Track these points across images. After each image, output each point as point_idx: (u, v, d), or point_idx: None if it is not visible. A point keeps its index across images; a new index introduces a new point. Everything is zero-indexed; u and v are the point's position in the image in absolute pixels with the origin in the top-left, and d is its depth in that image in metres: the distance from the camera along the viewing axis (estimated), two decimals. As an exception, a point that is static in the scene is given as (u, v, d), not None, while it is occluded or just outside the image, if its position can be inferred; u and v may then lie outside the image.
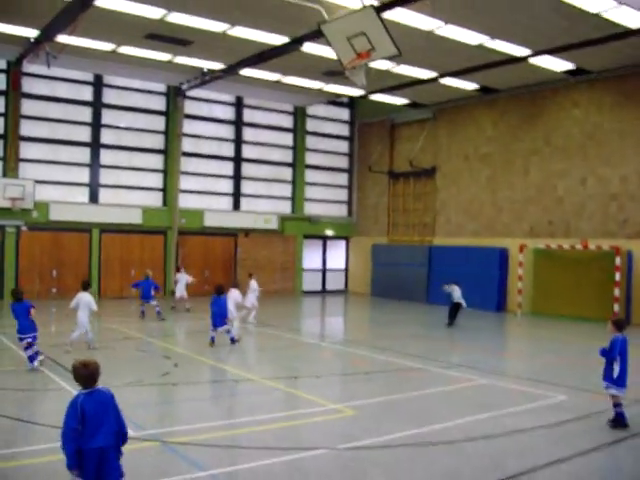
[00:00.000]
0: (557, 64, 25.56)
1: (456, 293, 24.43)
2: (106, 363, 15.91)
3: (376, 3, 17.84)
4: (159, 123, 32.56)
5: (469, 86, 29.37)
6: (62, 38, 23.11)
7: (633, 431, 10.85)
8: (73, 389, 12.55)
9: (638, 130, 25.95)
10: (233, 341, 18.28)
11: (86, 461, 6.49)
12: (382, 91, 30.96)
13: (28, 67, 28.45)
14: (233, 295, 20.70)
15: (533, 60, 24.78)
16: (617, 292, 25.21)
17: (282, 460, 9.05)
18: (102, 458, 6.56)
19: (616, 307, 25.14)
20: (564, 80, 27.68)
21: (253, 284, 24.33)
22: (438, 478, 8.57)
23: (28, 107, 29.18)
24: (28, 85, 29.14)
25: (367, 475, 8.78)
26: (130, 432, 9.85)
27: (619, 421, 10.96)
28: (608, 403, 11.40)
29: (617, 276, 25.25)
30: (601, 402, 12.71)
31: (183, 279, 26.71)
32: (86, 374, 6.82)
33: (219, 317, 18.09)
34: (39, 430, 10.11)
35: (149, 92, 32.17)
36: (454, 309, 24.35)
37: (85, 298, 16.71)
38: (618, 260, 25.27)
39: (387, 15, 18.95)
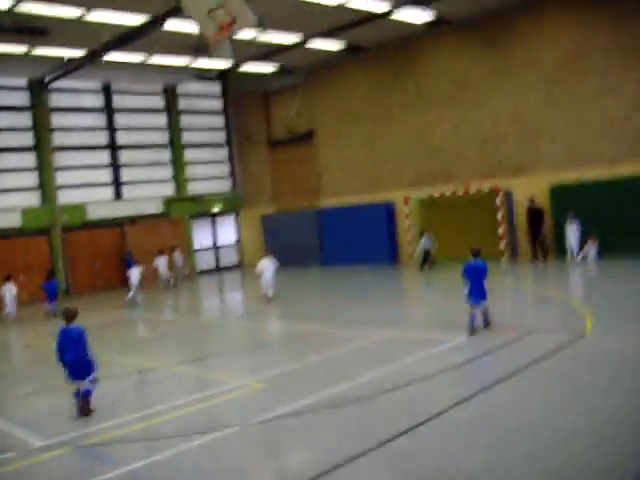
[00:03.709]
0: (418, 16, 26.03)
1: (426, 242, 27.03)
2: (6, 374, 15.48)
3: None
4: (26, 119, 31.19)
5: (336, 46, 29.55)
6: None
7: (532, 358, 11.39)
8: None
9: (501, 73, 26.84)
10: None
11: (66, 365, 10.89)
12: (251, 60, 30.74)
13: None
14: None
15: (394, 15, 25.13)
16: (501, 230, 26.19)
17: (197, 444, 9.05)
18: (71, 365, 10.82)
19: (502, 244, 26.15)
20: (428, 32, 28.22)
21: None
22: (351, 435, 8.77)
23: None
24: None
25: (283, 445, 8.91)
26: (39, 442, 9.74)
27: (471, 326, 13.94)
28: (505, 337, 11.89)
29: (499, 215, 26.22)
30: (498, 337, 13.29)
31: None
32: (65, 315, 10.98)
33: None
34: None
35: (10, 88, 30.72)
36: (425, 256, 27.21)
37: None
38: (498, 200, 26.24)
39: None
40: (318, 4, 22.96)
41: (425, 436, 8.50)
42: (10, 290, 24.65)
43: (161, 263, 30.16)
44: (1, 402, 12.44)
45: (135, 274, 26.09)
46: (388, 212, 30.68)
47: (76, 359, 10.84)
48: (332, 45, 29.32)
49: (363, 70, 31.65)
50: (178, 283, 31.19)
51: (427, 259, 27.20)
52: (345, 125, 32.74)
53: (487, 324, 14.27)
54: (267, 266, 22.50)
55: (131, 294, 25.77)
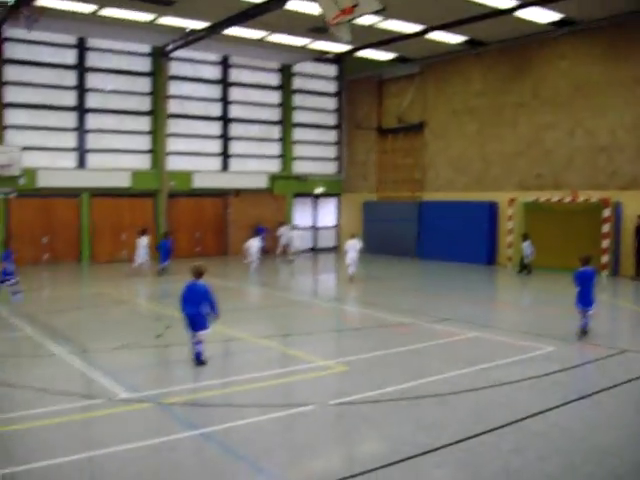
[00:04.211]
0: (544, 15, 25.38)
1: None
2: (100, 326, 16.13)
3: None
4: (145, 85, 32.24)
5: (456, 39, 29.15)
6: (41, 0, 22.79)
7: (616, 380, 11.05)
8: (65, 354, 12.71)
9: (625, 81, 25.84)
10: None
11: (186, 318, 11.99)
12: (369, 47, 30.74)
13: (8, 32, 28.09)
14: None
15: (520, 12, 24.58)
16: (606, 243, 25.38)
17: (273, 417, 9.21)
18: (192, 317, 11.90)
19: (605, 258, 25.34)
20: (552, 32, 27.49)
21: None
22: (425, 430, 8.74)
23: (11, 73, 28.83)
24: (10, 50, 28.73)
25: (356, 430, 8.95)
26: (123, 394, 10.12)
27: (582, 329, 14.59)
28: (597, 352, 11.56)
29: (606, 227, 25.40)
30: (589, 353, 12.94)
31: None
32: (194, 271, 12.15)
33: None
34: (30, 395, 10.21)
35: (133, 54, 31.75)
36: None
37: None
38: (607, 212, 25.41)
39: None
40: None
41: (497, 442, 8.37)
42: (142, 242, 26.35)
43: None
44: (95, 353, 12.94)
45: (255, 245, 28.37)
46: (491, 212, 30.16)
47: (197, 312, 11.90)
48: (452, 38, 28.92)
49: (480, 66, 31.12)
50: (292, 259, 31.84)
51: (526, 264, 26.68)
52: (456, 120, 32.32)
53: (585, 332, 14.52)
54: (352, 245, 24.62)
55: (250, 262, 28.09)
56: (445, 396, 10.12)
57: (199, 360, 11.93)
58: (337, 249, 38.46)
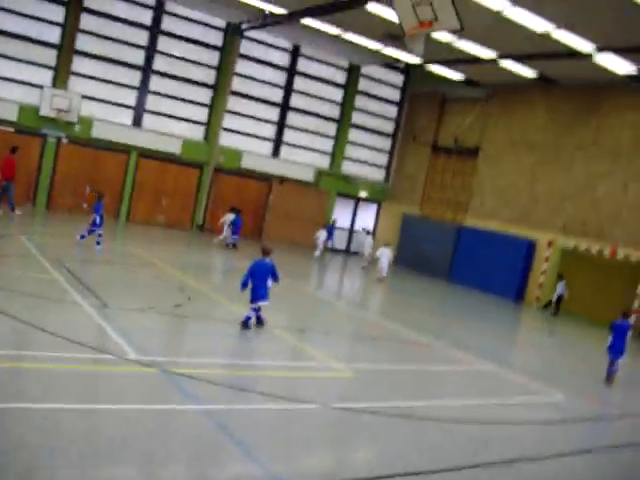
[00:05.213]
0: (621, 65, 25.06)
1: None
2: (123, 286, 16.34)
3: (447, -26, 17.54)
4: (213, 58, 32.50)
5: (527, 72, 28.90)
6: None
7: (618, 441, 10.94)
8: (86, 305, 12.89)
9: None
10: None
11: (251, 288, 13.69)
12: (439, 63, 30.64)
13: (92, -18, 28.52)
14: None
15: (597, 58, 24.31)
16: (637, 304, 25.03)
17: (274, 408, 9.28)
18: (256, 289, 13.60)
19: (632, 319, 24.97)
20: (624, 83, 27.14)
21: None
22: (420, 452, 8.73)
23: (87, 22, 29.25)
24: (89, 0, 29.19)
25: (353, 437, 8.99)
26: (133, 355, 10.26)
27: (609, 375, 15.22)
28: (603, 409, 11.46)
29: (640, 289, 25.08)
30: (596, 409, 12.82)
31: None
32: (262, 250, 13.98)
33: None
34: (46, 338, 10.39)
35: (208, 26, 32.02)
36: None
37: None
38: (645, 273, 25.08)
39: (456, -12, 18.59)
40: (524, 27, 22.48)
41: (491, 478, 8.35)
42: (229, 218, 28.73)
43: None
44: (114, 310, 13.10)
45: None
46: (528, 250, 29.83)
47: (261, 285, 13.68)
48: (523, 70, 28.69)
49: (546, 101, 30.83)
50: (365, 265, 31.59)
51: (556, 305, 26.48)
52: (512, 151, 32.06)
53: (610, 380, 15.23)
54: (384, 253, 26.80)
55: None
56: (447, 422, 10.10)
57: (246, 324, 13.57)
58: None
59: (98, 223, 20.64)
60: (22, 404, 7.73)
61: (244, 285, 13.72)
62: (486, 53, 27.16)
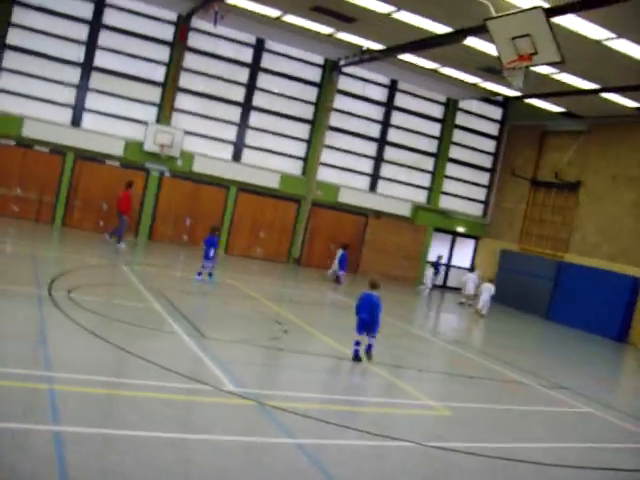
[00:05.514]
0: None
1: None
2: (220, 317, 16.61)
3: (547, 5, 17.35)
4: (311, 94, 33.03)
5: (630, 104, 28.09)
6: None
7: None
8: (184, 335, 13.15)
9: None
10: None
11: (360, 322, 13.80)
12: (538, 96, 30.18)
13: (196, 23, 29.53)
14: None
15: None
16: None
17: (368, 444, 9.17)
18: (364, 322, 13.75)
19: None
20: None
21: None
22: (519, 495, 8.46)
23: (190, 60, 30.34)
24: (193, 40, 30.24)
25: (447, 477, 8.77)
26: (231, 387, 10.37)
27: None
28: None
29: None
30: None
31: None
32: (370, 283, 13.99)
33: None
34: (144, 365, 10.63)
35: (306, 62, 32.63)
36: None
37: None
38: None
39: (556, 20, 18.32)
40: (629, 57, 21.87)
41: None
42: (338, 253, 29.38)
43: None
44: (211, 341, 13.32)
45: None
46: (633, 287, 28.71)
47: (370, 318, 13.78)
48: (626, 101, 27.86)
49: (649, 136, 29.88)
50: (464, 301, 31.12)
51: None
52: (614, 186, 31.10)
53: None
54: (487, 289, 27.31)
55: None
56: (546, 466, 9.75)
57: (369, 356, 13.87)
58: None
59: (211, 256, 21.21)
60: (119, 431, 7.88)
61: (358, 316, 13.94)
62: (587, 85, 26.58)
